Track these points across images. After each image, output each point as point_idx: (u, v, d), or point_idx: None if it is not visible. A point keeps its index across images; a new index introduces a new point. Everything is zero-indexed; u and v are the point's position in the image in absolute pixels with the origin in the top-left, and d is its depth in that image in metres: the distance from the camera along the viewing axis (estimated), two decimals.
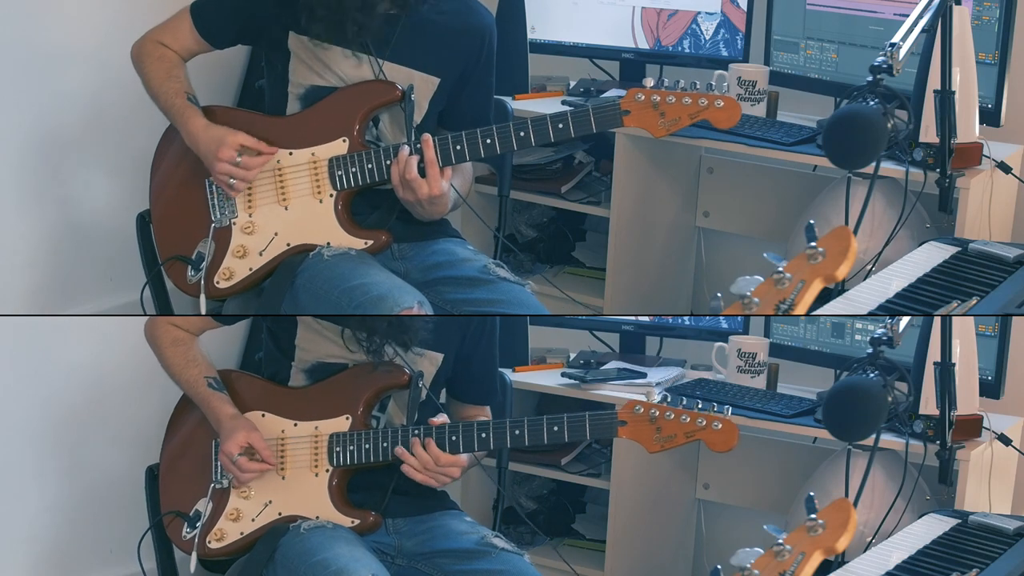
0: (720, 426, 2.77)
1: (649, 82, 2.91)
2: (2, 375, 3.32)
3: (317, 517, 2.92)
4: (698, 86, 2.88)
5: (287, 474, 2.95)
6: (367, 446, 2.92)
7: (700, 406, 2.77)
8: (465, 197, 3.09)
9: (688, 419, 2.78)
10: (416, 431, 2.89)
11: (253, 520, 2.95)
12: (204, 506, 2.97)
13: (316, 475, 2.93)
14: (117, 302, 3.56)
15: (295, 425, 2.96)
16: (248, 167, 2.98)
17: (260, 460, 2.92)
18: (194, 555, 2.95)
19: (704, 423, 2.78)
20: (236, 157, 2.96)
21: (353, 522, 2.91)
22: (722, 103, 2.87)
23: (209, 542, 2.95)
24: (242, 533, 2.95)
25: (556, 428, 2.86)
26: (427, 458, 2.87)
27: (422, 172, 2.95)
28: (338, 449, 2.93)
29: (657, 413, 2.80)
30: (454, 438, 2.88)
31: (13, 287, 3.47)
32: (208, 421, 2.99)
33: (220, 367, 3.08)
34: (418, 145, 2.95)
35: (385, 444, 2.91)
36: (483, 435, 2.88)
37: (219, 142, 2.97)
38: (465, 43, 3.05)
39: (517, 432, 2.87)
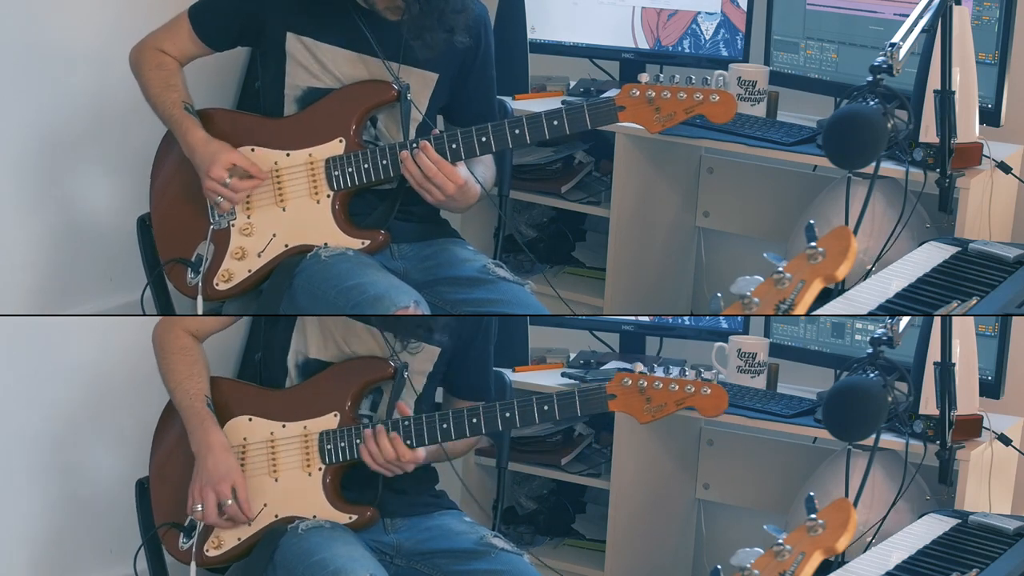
0: (709, 391, 2.77)
1: (644, 77, 2.91)
2: (2, 375, 3.32)
3: (314, 516, 2.92)
4: (693, 80, 2.88)
5: (280, 476, 2.94)
6: (357, 441, 2.91)
7: (687, 373, 2.77)
8: (490, 186, 3.10)
9: (677, 387, 2.77)
10: (406, 421, 2.89)
11: (249, 524, 2.94)
12: None
13: (309, 474, 2.93)
14: (117, 302, 3.56)
15: (283, 427, 2.96)
16: (236, 189, 2.98)
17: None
18: (193, 565, 2.95)
19: (693, 389, 2.77)
20: (226, 177, 2.97)
21: (350, 518, 2.91)
22: (717, 97, 2.87)
23: (207, 550, 2.94)
24: (239, 539, 2.94)
25: (546, 408, 2.85)
26: (388, 450, 2.86)
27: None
28: (329, 447, 2.93)
29: (645, 383, 2.79)
30: (445, 426, 2.87)
31: (13, 287, 3.47)
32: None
33: (218, 369, 3.08)
34: (415, 145, 2.96)
35: None
36: (474, 420, 2.87)
37: (212, 159, 2.98)
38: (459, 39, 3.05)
39: (508, 415, 2.86)
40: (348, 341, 2.97)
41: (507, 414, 2.87)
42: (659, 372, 2.81)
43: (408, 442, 2.87)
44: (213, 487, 2.89)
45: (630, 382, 2.80)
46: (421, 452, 2.88)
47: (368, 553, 2.86)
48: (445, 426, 2.88)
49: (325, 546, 2.82)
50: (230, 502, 2.89)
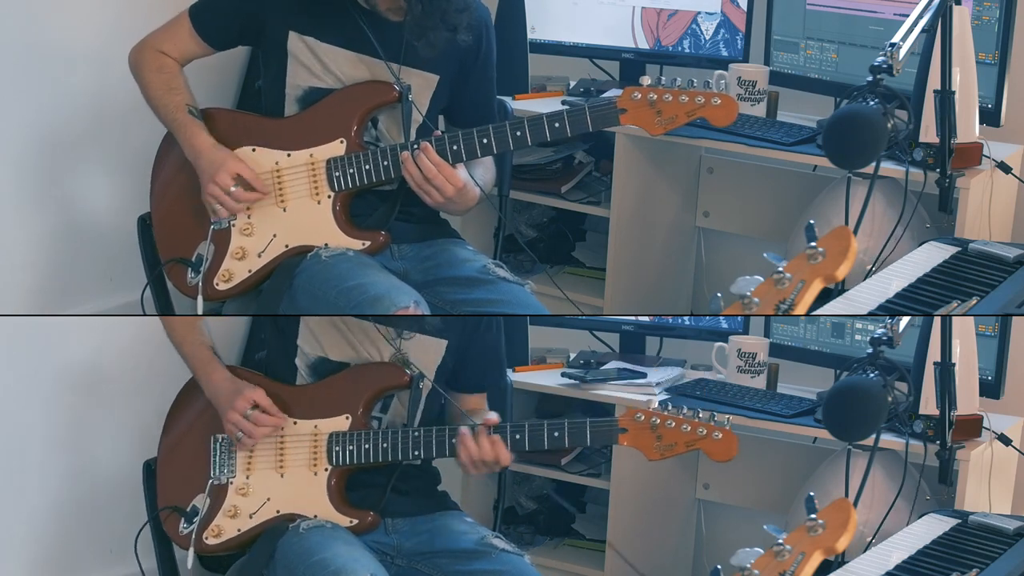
0: (720, 436, 2.78)
1: (646, 80, 2.91)
2: (2, 375, 3.32)
3: (315, 516, 2.92)
4: (695, 83, 2.88)
5: (286, 472, 2.95)
6: (367, 446, 2.92)
7: (701, 415, 2.78)
8: (489, 188, 3.10)
9: (689, 428, 2.79)
10: (416, 432, 2.90)
11: (251, 517, 2.95)
12: (202, 502, 2.97)
13: (315, 474, 2.94)
14: (117, 302, 3.56)
15: (295, 423, 2.96)
16: (237, 199, 2.99)
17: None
18: (191, 551, 2.96)
19: (704, 432, 2.79)
20: (231, 186, 2.97)
21: (352, 522, 2.92)
22: (719, 100, 2.87)
23: (206, 538, 2.95)
24: (239, 530, 2.95)
25: (556, 434, 2.86)
26: (489, 451, 2.87)
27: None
28: (337, 449, 2.93)
29: (658, 421, 2.80)
30: (453, 441, 2.88)
31: (13, 287, 3.47)
32: (205, 415, 2.99)
33: None
34: (415, 146, 2.96)
35: (385, 445, 2.91)
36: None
37: (220, 166, 2.98)
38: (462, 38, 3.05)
39: (518, 437, 2.87)
40: (359, 341, 2.97)
41: (517, 436, 2.87)
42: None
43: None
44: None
45: (643, 417, 2.81)
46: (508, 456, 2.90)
47: (369, 553, 2.86)
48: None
49: (326, 545, 2.82)
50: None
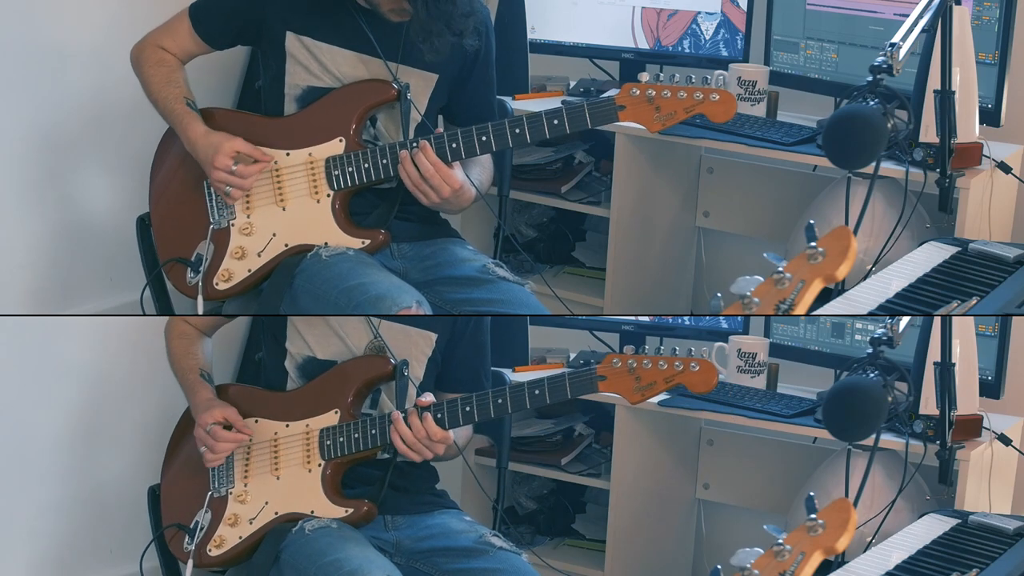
0: (698, 367, 2.78)
1: (644, 77, 2.91)
2: (2, 375, 3.32)
3: (312, 512, 2.92)
4: (693, 79, 2.88)
5: (281, 474, 2.95)
6: (356, 435, 2.92)
7: (676, 351, 2.78)
8: (486, 188, 3.10)
9: (666, 365, 2.79)
10: (405, 413, 2.89)
11: (251, 522, 2.95)
12: (202, 516, 2.97)
13: (309, 470, 2.94)
14: (117, 302, 3.57)
15: (286, 426, 2.97)
16: (243, 175, 2.98)
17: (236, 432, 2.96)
18: (189, 564, 2.95)
19: (681, 367, 2.78)
20: (232, 165, 2.97)
21: (347, 511, 2.92)
22: (717, 96, 2.87)
23: (209, 550, 2.96)
24: (241, 537, 2.95)
25: (537, 391, 2.86)
26: (420, 430, 2.87)
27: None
28: (328, 442, 2.94)
29: (635, 364, 2.80)
30: (439, 415, 2.88)
31: (13, 287, 3.47)
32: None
33: (219, 367, 3.08)
34: (415, 145, 2.96)
35: (374, 431, 2.91)
36: (467, 408, 2.88)
37: (216, 149, 2.97)
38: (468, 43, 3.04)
39: (500, 401, 2.87)
40: (349, 336, 2.97)
41: (499, 400, 2.88)
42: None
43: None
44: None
45: (619, 363, 2.81)
46: (451, 433, 2.89)
47: (381, 554, 2.86)
48: (439, 416, 2.88)
49: (338, 547, 2.82)
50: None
